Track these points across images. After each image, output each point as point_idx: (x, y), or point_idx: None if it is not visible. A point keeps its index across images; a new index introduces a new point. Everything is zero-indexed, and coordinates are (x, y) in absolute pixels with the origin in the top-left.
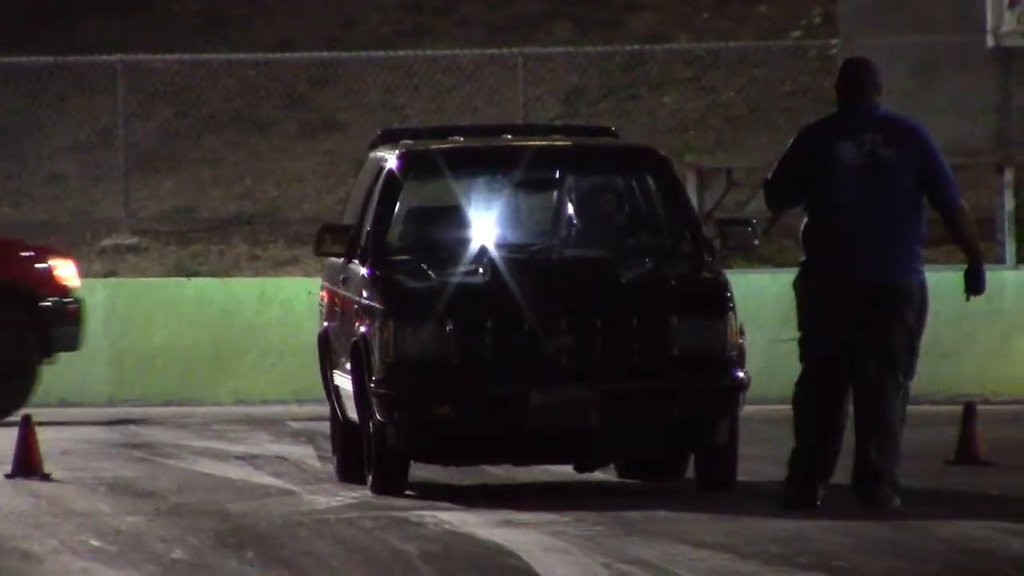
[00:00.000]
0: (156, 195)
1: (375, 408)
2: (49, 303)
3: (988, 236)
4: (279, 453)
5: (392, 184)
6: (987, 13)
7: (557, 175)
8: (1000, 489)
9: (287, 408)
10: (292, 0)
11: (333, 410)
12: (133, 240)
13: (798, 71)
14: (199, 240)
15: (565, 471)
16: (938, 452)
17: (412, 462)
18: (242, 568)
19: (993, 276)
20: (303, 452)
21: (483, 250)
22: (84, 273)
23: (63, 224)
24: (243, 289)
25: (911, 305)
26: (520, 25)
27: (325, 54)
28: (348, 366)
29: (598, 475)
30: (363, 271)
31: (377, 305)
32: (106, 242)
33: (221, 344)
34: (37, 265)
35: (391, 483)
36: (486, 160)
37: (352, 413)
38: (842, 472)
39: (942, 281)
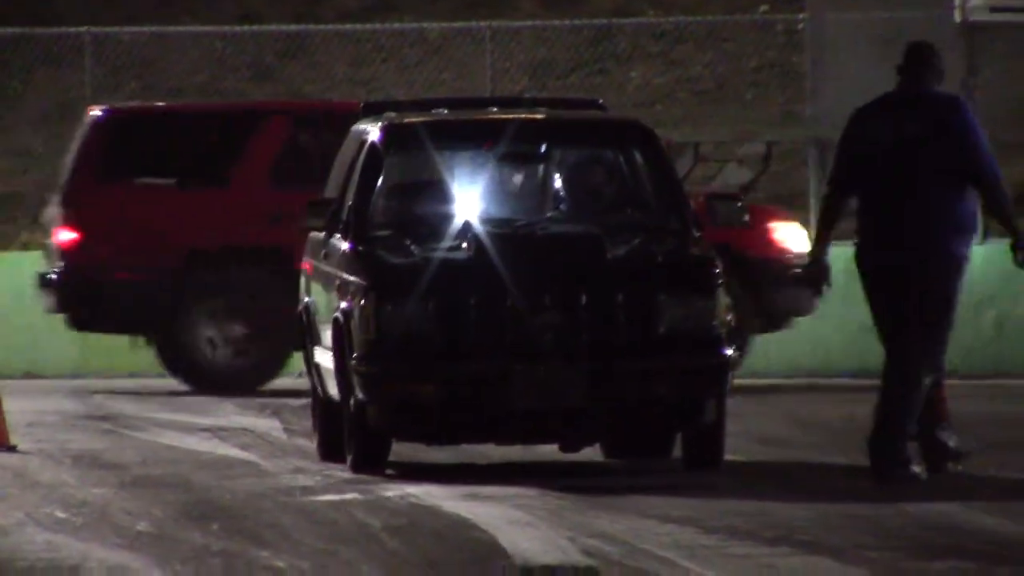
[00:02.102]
0: None
1: (356, 385)
2: (771, 267)
3: None
4: (245, 426)
5: (374, 157)
6: None
7: (542, 148)
8: (966, 464)
9: None
10: None
11: (314, 387)
12: None
13: (765, 45)
14: None
15: (542, 449)
16: None
17: (393, 440)
18: (207, 540)
19: None
20: (269, 425)
21: (467, 225)
22: None
23: (28, 196)
24: None
25: (946, 279)
26: None
27: (292, 27)
28: (329, 343)
29: (581, 455)
30: (345, 246)
31: (359, 280)
32: None
33: None
34: (759, 227)
35: (371, 462)
36: (470, 133)
37: (333, 390)
38: (815, 450)
39: None
